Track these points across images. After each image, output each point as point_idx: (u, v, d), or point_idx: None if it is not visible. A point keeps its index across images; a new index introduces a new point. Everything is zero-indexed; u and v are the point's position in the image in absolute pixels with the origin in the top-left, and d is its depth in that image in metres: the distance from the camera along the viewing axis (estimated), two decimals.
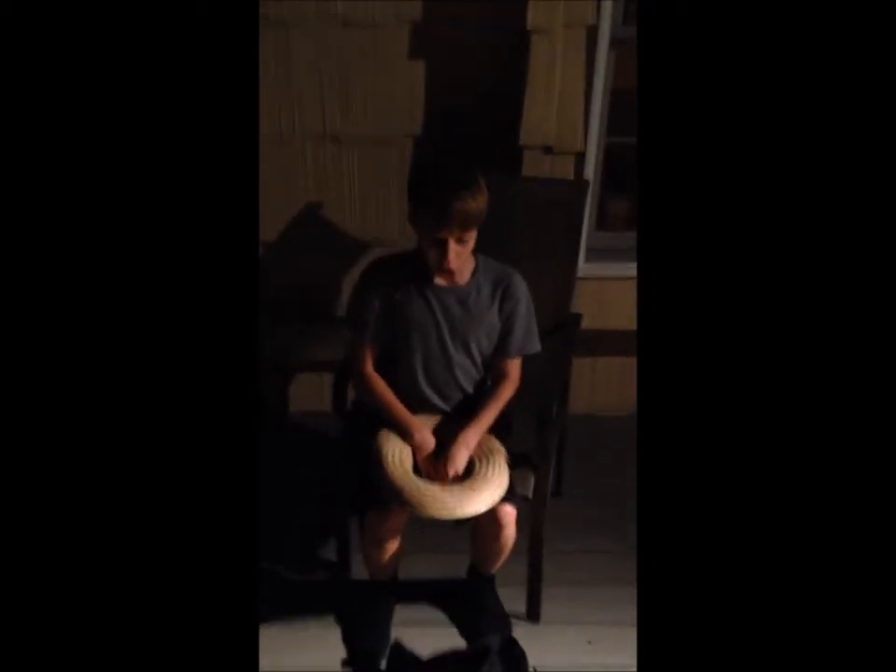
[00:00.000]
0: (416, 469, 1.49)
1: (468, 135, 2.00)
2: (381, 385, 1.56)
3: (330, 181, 2.12)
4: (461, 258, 1.47)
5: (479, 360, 1.60)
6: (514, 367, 1.61)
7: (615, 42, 1.98)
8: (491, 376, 1.62)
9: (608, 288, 2.18)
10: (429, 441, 1.51)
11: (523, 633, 1.65)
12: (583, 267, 2.17)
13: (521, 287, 1.58)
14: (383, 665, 1.59)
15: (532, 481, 1.60)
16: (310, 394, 2.25)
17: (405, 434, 1.51)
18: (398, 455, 1.47)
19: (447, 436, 1.51)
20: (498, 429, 1.57)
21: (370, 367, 1.57)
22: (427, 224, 1.44)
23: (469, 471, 1.48)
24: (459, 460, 1.48)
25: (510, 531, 1.53)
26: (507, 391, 1.58)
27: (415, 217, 1.48)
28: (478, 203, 1.42)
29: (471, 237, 1.46)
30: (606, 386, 2.38)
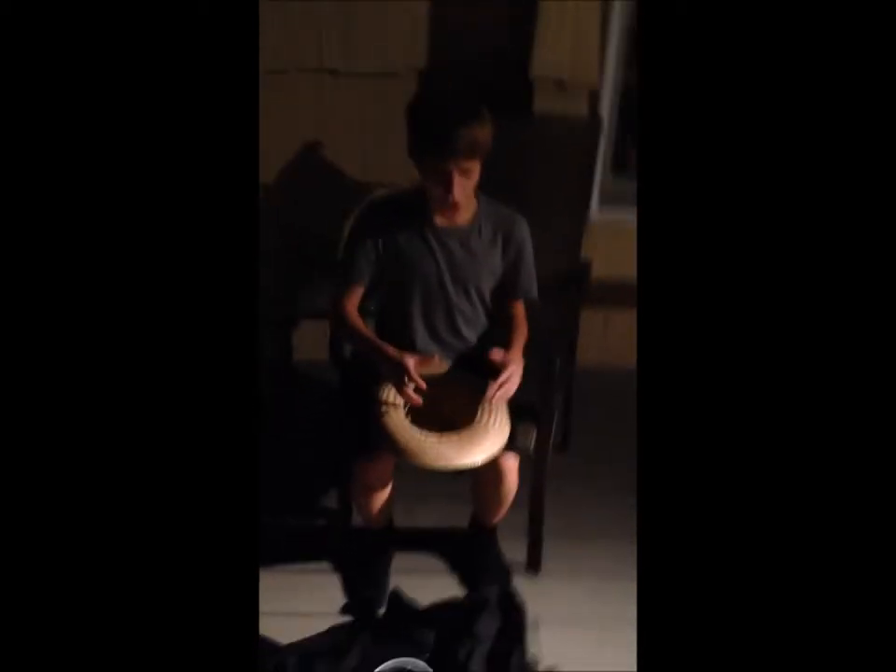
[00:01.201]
0: (416, 420, 1.44)
1: (475, 68, 1.89)
2: (359, 323, 1.49)
3: (329, 117, 2.03)
4: (466, 191, 1.40)
5: (479, 305, 1.55)
6: (522, 309, 1.56)
7: None
8: (502, 320, 1.56)
9: (622, 236, 2.09)
10: (405, 357, 1.37)
11: (523, 584, 1.64)
12: (597, 213, 2.08)
13: (524, 229, 1.52)
14: (381, 612, 1.59)
15: (535, 434, 1.56)
16: (314, 342, 2.21)
17: (386, 360, 1.40)
18: (393, 403, 1.42)
19: (450, 386, 1.46)
20: None
21: (349, 306, 1.50)
22: (429, 155, 1.37)
23: (469, 421, 1.43)
24: (512, 379, 1.39)
25: (509, 482, 1.50)
26: (524, 329, 1.53)
27: (416, 148, 1.40)
28: (484, 131, 1.36)
29: (476, 169, 1.39)
30: (618, 339, 2.30)
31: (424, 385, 1.37)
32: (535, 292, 1.57)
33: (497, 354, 1.42)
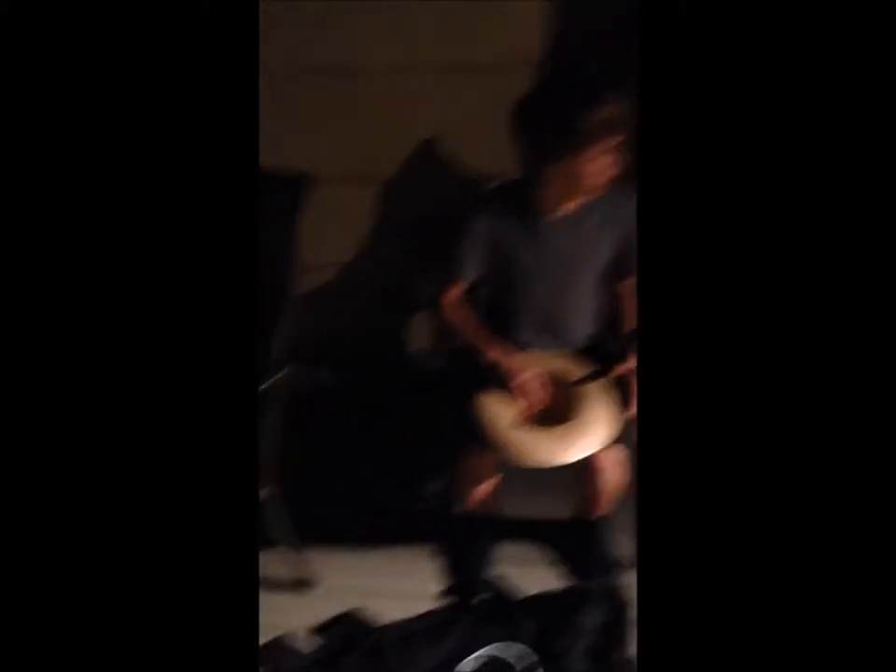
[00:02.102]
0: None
1: (591, 61, 1.85)
2: (464, 315, 1.50)
3: (446, 113, 2.06)
4: (607, 173, 1.35)
5: (590, 293, 1.52)
6: (633, 288, 1.51)
7: None
8: (615, 302, 1.53)
9: None
10: (516, 366, 1.40)
11: (632, 581, 1.60)
12: None
13: (632, 203, 1.47)
14: (482, 599, 1.60)
15: None
16: (427, 332, 2.26)
17: (487, 353, 1.42)
18: (495, 400, 1.43)
19: (557, 377, 1.45)
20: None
21: (454, 295, 1.52)
22: (557, 146, 1.33)
23: (575, 413, 1.41)
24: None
25: (615, 475, 1.46)
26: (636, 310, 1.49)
27: (536, 143, 1.37)
28: (612, 110, 1.30)
29: (611, 150, 1.33)
30: None
31: (544, 398, 1.39)
32: None
33: (620, 369, 1.41)
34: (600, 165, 1.33)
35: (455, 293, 1.52)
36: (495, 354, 1.42)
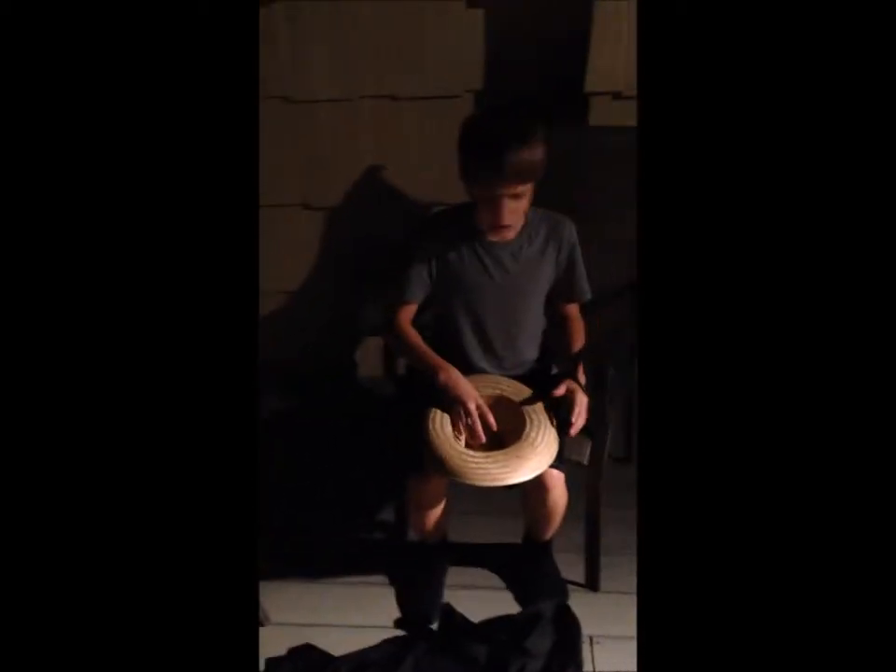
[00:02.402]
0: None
1: (532, 87, 1.90)
2: (412, 336, 1.51)
3: (391, 141, 2.08)
4: (516, 214, 1.41)
5: (535, 317, 1.54)
6: (577, 312, 1.58)
7: None
8: (559, 324, 1.57)
9: None
10: (461, 384, 1.41)
11: (581, 601, 1.61)
12: None
13: (573, 231, 1.52)
14: (435, 626, 1.59)
15: (589, 447, 1.53)
16: (376, 358, 2.26)
17: (434, 377, 1.43)
18: (440, 423, 1.43)
19: (500, 399, 1.46)
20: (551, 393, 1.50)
21: (403, 319, 1.53)
22: (479, 179, 1.38)
23: (517, 436, 1.42)
24: (583, 409, 1.42)
25: (556, 495, 1.48)
26: (581, 334, 1.54)
27: (466, 172, 1.42)
28: (534, 154, 1.34)
29: (526, 192, 1.39)
30: None
31: (492, 425, 1.40)
32: (589, 293, 1.56)
33: (560, 389, 1.43)
34: (509, 209, 1.38)
35: (403, 316, 1.53)
36: (442, 377, 1.42)
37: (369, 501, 1.91)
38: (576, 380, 1.47)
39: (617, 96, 1.90)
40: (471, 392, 1.41)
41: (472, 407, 1.39)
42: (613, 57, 1.85)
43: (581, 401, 1.43)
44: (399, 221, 2.13)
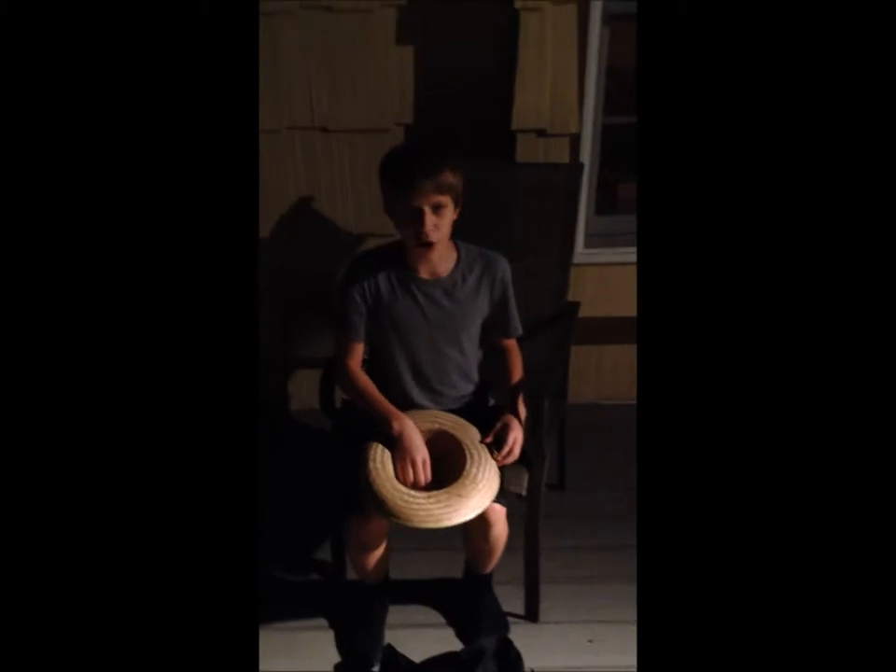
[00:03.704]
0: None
1: (460, 122, 1.93)
2: (364, 381, 1.51)
3: (322, 173, 2.07)
4: (439, 231, 1.42)
5: (470, 353, 1.56)
6: (514, 345, 1.60)
7: (609, 18, 1.90)
8: (497, 356, 1.59)
9: (611, 274, 2.11)
10: (413, 437, 1.43)
11: (522, 633, 1.62)
12: (585, 253, 2.10)
13: (507, 270, 1.55)
14: (377, 668, 1.56)
15: (527, 478, 1.55)
16: (309, 391, 2.22)
17: (387, 426, 1.44)
18: (381, 462, 1.42)
19: (439, 436, 1.47)
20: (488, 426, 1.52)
21: (354, 363, 1.52)
22: (400, 200, 1.40)
23: (458, 473, 1.43)
24: (518, 442, 1.45)
25: (499, 529, 1.48)
26: (519, 369, 1.56)
27: (388, 199, 1.44)
28: (448, 176, 1.39)
29: (447, 207, 1.41)
30: (611, 375, 2.31)
31: (428, 478, 1.42)
32: (520, 330, 1.60)
33: (498, 425, 1.46)
34: (431, 221, 1.40)
35: (352, 359, 1.52)
36: (396, 426, 1.43)
37: (305, 540, 1.87)
38: (515, 412, 1.49)
39: (541, 133, 1.96)
40: (421, 447, 1.42)
41: (419, 462, 1.41)
42: (538, 96, 1.92)
43: (516, 437, 1.45)
44: (329, 253, 2.12)
